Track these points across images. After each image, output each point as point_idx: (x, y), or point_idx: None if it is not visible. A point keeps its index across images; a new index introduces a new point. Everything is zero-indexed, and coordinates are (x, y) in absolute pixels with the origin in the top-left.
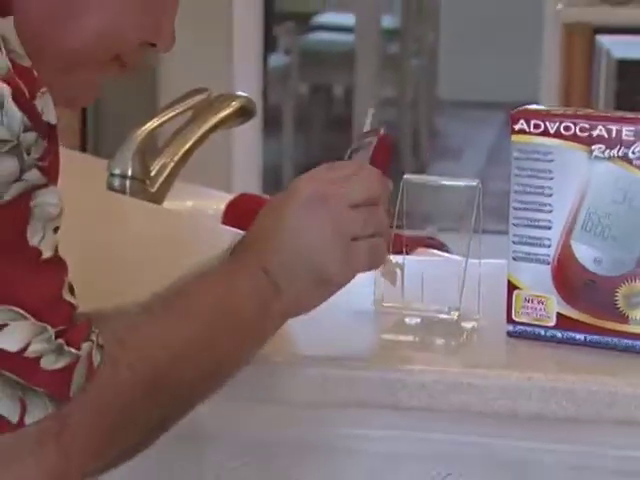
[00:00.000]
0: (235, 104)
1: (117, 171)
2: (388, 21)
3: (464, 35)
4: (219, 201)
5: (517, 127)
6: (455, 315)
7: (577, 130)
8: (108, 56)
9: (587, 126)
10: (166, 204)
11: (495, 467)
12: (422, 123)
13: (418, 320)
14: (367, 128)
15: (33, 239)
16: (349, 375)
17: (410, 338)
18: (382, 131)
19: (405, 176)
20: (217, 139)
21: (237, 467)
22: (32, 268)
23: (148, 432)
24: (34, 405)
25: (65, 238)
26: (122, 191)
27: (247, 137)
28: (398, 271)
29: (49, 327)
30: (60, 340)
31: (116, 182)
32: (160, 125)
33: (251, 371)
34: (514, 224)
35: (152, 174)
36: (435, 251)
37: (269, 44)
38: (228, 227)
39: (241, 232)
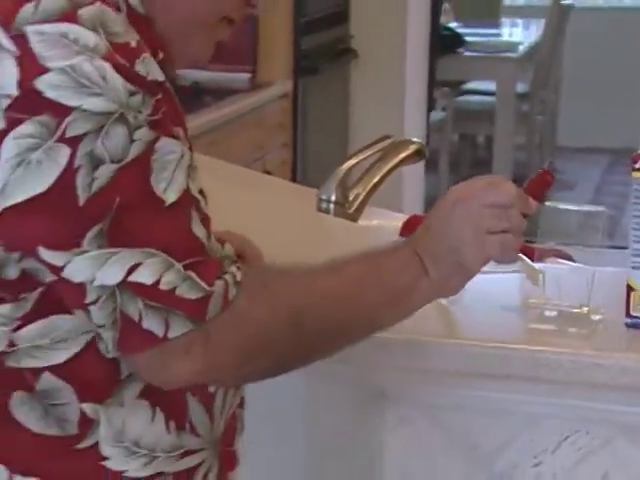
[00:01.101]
0: (412, 148)
1: (324, 197)
2: (521, 87)
3: (579, 95)
4: (397, 220)
5: (637, 166)
6: (585, 310)
7: None
8: (217, 18)
9: None
10: (360, 222)
11: (614, 428)
12: (545, 163)
13: (556, 313)
14: None
15: (158, 188)
16: (504, 354)
17: (550, 327)
18: (547, 167)
19: (554, 204)
20: (393, 174)
21: (412, 423)
22: (158, 214)
23: (282, 360)
24: (176, 323)
25: (284, 242)
26: (327, 212)
27: (414, 173)
28: (540, 275)
29: (176, 262)
30: (190, 272)
31: (323, 205)
32: (357, 163)
33: (426, 348)
34: (634, 240)
35: (350, 200)
36: (563, 260)
37: (431, 104)
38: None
39: None
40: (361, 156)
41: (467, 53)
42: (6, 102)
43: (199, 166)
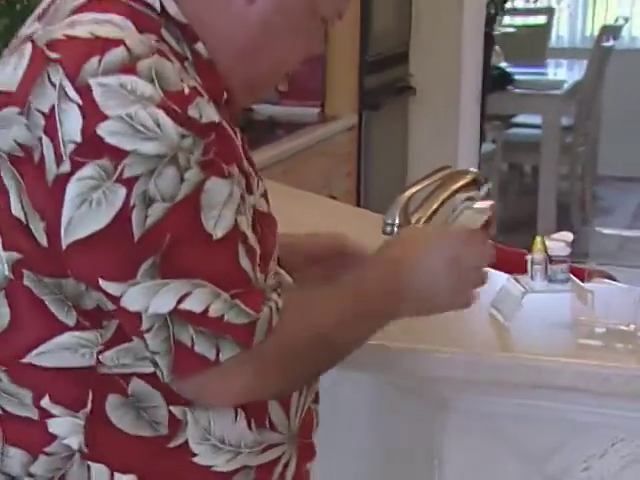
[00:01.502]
0: (469, 177)
1: (389, 221)
2: (565, 121)
3: (617, 129)
4: None
5: None
6: (632, 327)
7: None
8: (283, 74)
9: None
10: None
11: None
12: (587, 191)
13: (604, 330)
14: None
15: (207, 225)
16: (556, 367)
17: (598, 343)
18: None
19: (596, 228)
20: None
21: (471, 430)
22: (207, 249)
23: (317, 372)
24: (226, 348)
25: None
26: (392, 235)
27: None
28: (589, 294)
29: (223, 292)
30: (237, 301)
31: (388, 229)
32: (418, 190)
33: (484, 362)
34: None
35: (412, 224)
36: (607, 280)
37: (482, 136)
38: None
39: None
40: (422, 184)
41: (515, 90)
42: (71, 147)
43: (274, 192)
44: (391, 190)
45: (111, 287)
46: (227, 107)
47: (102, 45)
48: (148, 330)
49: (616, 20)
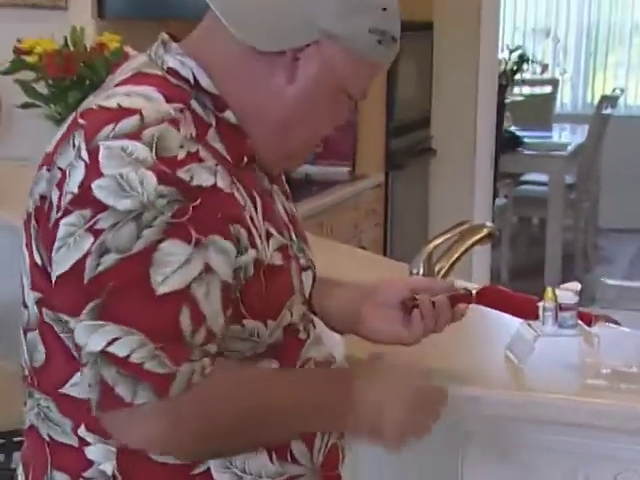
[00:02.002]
0: (485, 230)
1: (414, 270)
2: (569, 179)
3: (616, 186)
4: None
5: None
6: (634, 369)
7: None
8: (312, 145)
9: None
10: None
11: None
12: (589, 242)
13: (609, 371)
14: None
15: (154, 281)
16: (565, 405)
17: (604, 383)
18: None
19: (601, 279)
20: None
21: (491, 459)
22: (147, 301)
23: (230, 450)
24: (142, 392)
25: None
26: None
27: (481, 248)
28: (595, 338)
29: (150, 342)
30: (159, 352)
31: (413, 276)
32: (440, 243)
33: (502, 399)
34: None
35: (435, 272)
36: (611, 324)
37: (495, 192)
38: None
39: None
40: (444, 237)
41: (525, 151)
42: (69, 198)
43: (311, 243)
44: (414, 241)
45: (69, 321)
46: (250, 169)
47: (121, 114)
48: (85, 364)
49: (613, 91)
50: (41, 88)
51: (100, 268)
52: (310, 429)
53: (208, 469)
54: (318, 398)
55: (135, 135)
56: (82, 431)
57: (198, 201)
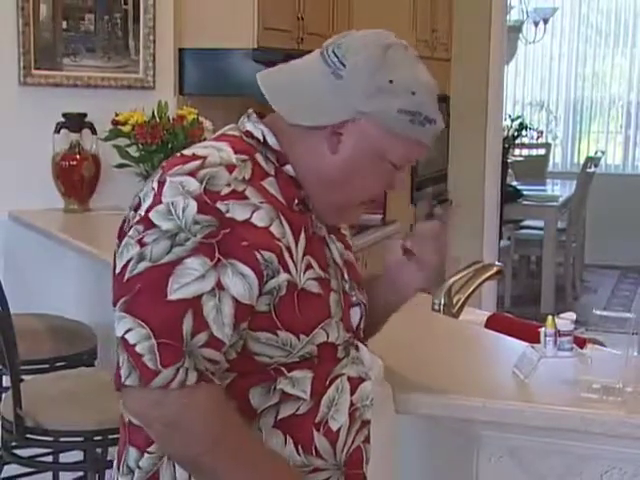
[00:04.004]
0: (494, 269)
1: (436, 301)
2: (560, 224)
3: (599, 230)
4: (482, 316)
5: None
6: (621, 384)
7: None
8: (359, 203)
9: None
10: (460, 318)
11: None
12: (576, 275)
13: (599, 386)
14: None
15: (171, 288)
16: (562, 414)
17: (595, 396)
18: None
19: (593, 310)
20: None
21: (499, 459)
22: (159, 303)
23: (186, 460)
24: (133, 377)
25: (409, 329)
26: (438, 312)
27: (487, 283)
28: (588, 359)
29: (153, 338)
30: (156, 349)
31: (435, 307)
32: (457, 279)
33: (509, 408)
34: None
35: (454, 303)
36: (598, 346)
37: (500, 235)
38: (488, 330)
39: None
40: (460, 274)
41: (524, 202)
42: (137, 218)
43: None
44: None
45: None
46: (304, 215)
47: (190, 159)
48: (117, 346)
49: (596, 153)
50: (133, 151)
51: (135, 271)
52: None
53: None
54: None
55: (192, 173)
56: None
57: (228, 229)
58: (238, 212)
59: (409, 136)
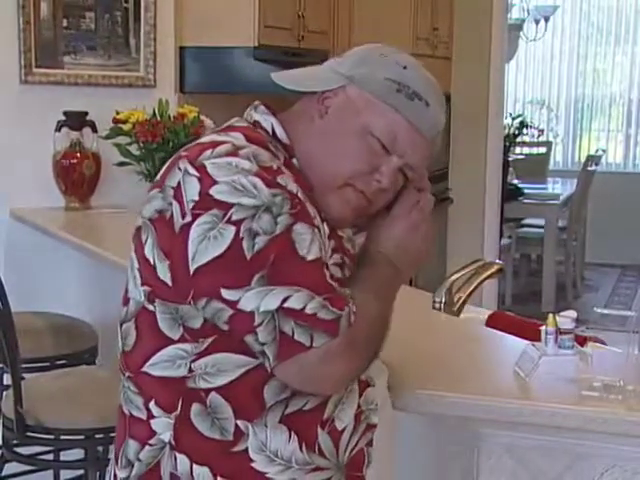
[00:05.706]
0: (495, 267)
1: (437, 299)
2: (561, 222)
3: (600, 228)
4: (483, 314)
5: None
6: (621, 382)
7: None
8: (343, 182)
9: None
10: (461, 316)
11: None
12: (577, 274)
13: (600, 384)
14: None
15: (301, 251)
16: (563, 412)
17: (596, 394)
18: None
19: (594, 308)
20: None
21: (498, 457)
22: (302, 265)
23: (372, 357)
24: (318, 337)
25: (409, 327)
26: (439, 310)
27: (488, 282)
28: (589, 357)
29: (316, 296)
30: (326, 302)
31: (436, 305)
32: (458, 278)
33: (509, 406)
34: None
35: (454, 302)
36: (599, 344)
37: (501, 234)
38: (489, 328)
39: (498, 332)
40: (462, 272)
41: (525, 200)
42: (191, 204)
43: None
44: (435, 275)
45: (230, 294)
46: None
47: (215, 144)
48: (259, 324)
49: (597, 151)
50: (134, 150)
51: (256, 247)
52: (392, 301)
53: (246, 449)
54: (387, 290)
55: (233, 153)
56: (152, 405)
57: (297, 200)
58: (291, 186)
59: (394, 106)
